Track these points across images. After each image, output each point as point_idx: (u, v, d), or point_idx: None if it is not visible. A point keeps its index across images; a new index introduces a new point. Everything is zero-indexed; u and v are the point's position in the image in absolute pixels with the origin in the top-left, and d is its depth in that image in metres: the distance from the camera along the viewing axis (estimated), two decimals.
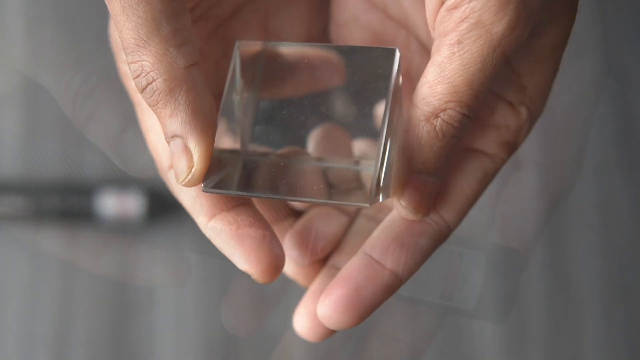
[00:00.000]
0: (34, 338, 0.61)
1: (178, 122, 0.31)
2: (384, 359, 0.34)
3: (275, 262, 0.33)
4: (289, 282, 0.52)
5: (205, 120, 0.32)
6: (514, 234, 0.34)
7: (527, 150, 0.35)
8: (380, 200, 0.32)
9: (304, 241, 0.37)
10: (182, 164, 0.32)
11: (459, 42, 0.32)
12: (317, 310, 0.33)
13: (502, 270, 0.31)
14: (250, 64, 0.34)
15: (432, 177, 0.33)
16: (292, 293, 0.62)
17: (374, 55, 0.34)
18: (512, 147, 0.35)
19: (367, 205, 0.30)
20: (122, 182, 0.36)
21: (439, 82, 0.32)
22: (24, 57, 0.31)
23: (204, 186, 0.32)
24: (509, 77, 0.35)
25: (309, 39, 0.40)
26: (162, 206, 0.57)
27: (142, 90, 0.31)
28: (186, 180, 0.32)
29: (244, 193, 0.31)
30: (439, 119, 0.32)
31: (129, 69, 0.32)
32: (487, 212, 0.36)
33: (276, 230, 0.36)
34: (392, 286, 0.34)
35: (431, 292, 0.31)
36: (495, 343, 0.63)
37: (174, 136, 0.31)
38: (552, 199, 0.35)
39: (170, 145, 0.32)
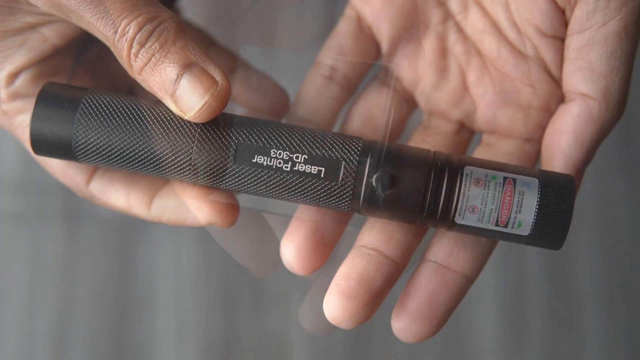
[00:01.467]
0: (34, 338, 0.61)
1: None
2: (434, 288, 0.33)
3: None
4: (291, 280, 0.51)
5: None
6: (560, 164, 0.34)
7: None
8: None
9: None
10: None
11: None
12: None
13: (555, 196, 0.31)
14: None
15: None
16: (292, 293, 0.63)
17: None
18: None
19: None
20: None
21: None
22: (77, 5, 0.31)
23: None
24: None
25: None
26: None
27: None
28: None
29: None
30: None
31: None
32: (534, 144, 0.36)
33: None
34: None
35: (486, 219, 0.31)
36: (495, 343, 0.63)
37: None
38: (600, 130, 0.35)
39: None
